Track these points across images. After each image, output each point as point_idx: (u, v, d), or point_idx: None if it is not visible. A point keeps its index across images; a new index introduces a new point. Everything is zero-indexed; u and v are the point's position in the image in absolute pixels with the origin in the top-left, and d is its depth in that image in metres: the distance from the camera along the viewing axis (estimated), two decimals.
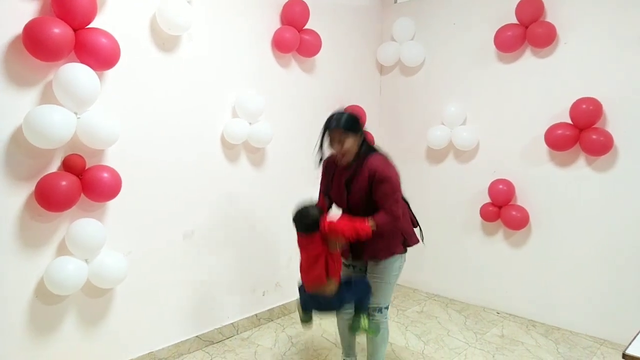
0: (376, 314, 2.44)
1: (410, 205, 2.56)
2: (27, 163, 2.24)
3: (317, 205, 2.32)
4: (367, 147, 2.35)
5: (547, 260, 3.53)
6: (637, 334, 1.73)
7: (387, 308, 2.49)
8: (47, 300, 2.36)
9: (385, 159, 2.33)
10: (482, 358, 3.02)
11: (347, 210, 2.41)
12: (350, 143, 2.28)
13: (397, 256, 2.42)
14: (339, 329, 2.70)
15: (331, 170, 2.48)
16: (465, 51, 3.89)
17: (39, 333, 2.35)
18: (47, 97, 2.25)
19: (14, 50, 2.16)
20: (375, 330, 2.42)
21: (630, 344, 1.65)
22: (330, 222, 2.22)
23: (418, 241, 2.51)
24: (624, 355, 1.60)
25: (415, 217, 2.58)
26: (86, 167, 2.35)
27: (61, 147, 2.29)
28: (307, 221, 2.21)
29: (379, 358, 2.53)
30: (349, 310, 2.54)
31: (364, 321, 2.37)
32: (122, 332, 2.68)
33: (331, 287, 2.25)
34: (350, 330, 2.49)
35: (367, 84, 4.29)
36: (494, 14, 3.65)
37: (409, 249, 2.49)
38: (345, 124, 2.26)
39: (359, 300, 2.39)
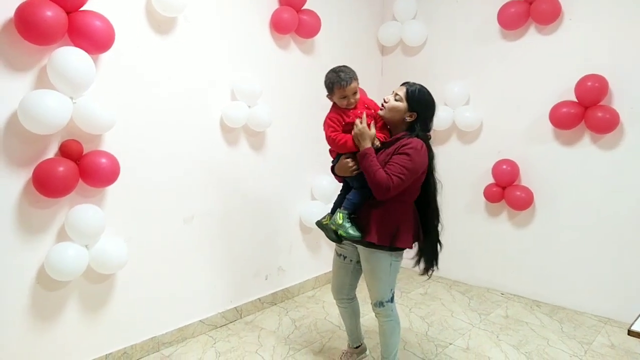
0: (378, 308, 2.35)
1: (439, 217, 2.35)
2: (24, 149, 2.21)
3: None
4: (418, 130, 2.19)
5: (551, 240, 3.51)
6: None
7: (389, 301, 2.33)
8: (48, 286, 2.36)
9: (423, 145, 2.16)
10: (486, 339, 3.02)
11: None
12: (396, 106, 2.19)
13: (384, 253, 2.24)
14: (341, 317, 2.67)
15: None
16: (467, 29, 3.82)
17: (41, 319, 2.36)
18: (42, 82, 2.22)
19: (6, 35, 2.12)
20: (338, 229, 2.24)
21: (635, 320, 1.63)
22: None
23: (409, 247, 2.25)
24: (630, 332, 1.58)
25: (437, 215, 2.35)
26: (83, 153, 2.32)
27: (58, 133, 2.26)
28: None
29: (390, 349, 2.40)
30: (345, 299, 2.54)
31: (337, 215, 2.27)
32: (125, 317, 2.69)
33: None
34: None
35: (368, 65, 4.23)
36: None
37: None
38: (412, 92, 2.19)
39: (346, 197, 2.31)
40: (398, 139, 2.19)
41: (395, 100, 2.22)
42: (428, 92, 2.25)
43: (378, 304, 2.34)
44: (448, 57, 3.95)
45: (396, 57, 4.28)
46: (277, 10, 3.28)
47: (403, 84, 2.27)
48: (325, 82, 2.29)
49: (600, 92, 3.09)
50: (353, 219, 2.27)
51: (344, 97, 2.24)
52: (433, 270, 2.41)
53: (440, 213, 2.36)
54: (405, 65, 4.21)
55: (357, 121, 2.21)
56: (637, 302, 2.97)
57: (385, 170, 2.11)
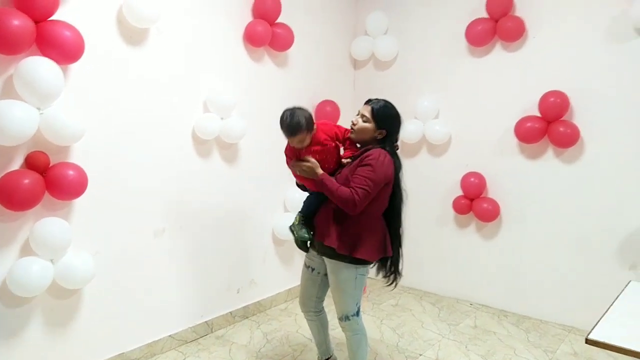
0: (344, 322, 2.35)
1: (399, 228, 2.37)
2: None
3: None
4: (383, 144, 2.22)
5: (517, 251, 3.61)
6: (599, 320, 1.79)
7: (354, 315, 2.33)
8: (10, 302, 2.27)
9: (387, 155, 2.17)
10: (455, 349, 3.07)
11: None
12: (365, 127, 2.22)
13: (349, 266, 2.23)
14: (310, 329, 2.66)
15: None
16: (437, 45, 3.92)
17: (2, 337, 2.26)
18: (8, 92, 2.16)
19: None
20: (292, 230, 2.37)
21: (592, 329, 1.70)
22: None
23: (371, 259, 2.24)
24: (587, 340, 1.64)
25: (395, 243, 2.35)
26: (50, 165, 2.27)
27: (24, 144, 2.20)
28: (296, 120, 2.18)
29: None
30: (312, 311, 2.54)
31: (294, 217, 2.40)
32: (92, 333, 2.61)
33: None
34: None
35: (341, 78, 4.28)
36: (465, 8, 3.69)
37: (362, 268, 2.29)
38: (378, 110, 2.21)
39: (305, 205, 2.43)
40: (363, 152, 2.22)
41: (363, 121, 2.24)
42: (392, 106, 2.29)
43: (344, 318, 2.34)
44: (418, 71, 4.04)
45: (368, 71, 4.35)
46: (250, 23, 3.29)
47: (367, 103, 2.29)
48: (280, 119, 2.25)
49: (561, 107, 3.22)
50: (306, 221, 2.36)
51: (291, 143, 2.27)
52: (397, 280, 2.42)
53: (403, 222, 2.39)
54: (377, 79, 4.29)
55: (296, 169, 2.29)
56: (599, 311, 3.06)
57: (350, 185, 2.12)
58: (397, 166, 2.25)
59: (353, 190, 2.10)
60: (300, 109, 2.21)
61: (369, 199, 2.14)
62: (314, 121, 2.23)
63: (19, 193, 2.10)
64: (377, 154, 2.16)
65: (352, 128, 2.29)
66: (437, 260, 4.02)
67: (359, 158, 2.19)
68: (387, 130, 2.25)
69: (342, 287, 2.30)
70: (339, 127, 2.40)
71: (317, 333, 2.63)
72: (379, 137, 2.25)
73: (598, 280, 3.26)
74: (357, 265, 2.25)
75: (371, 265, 2.34)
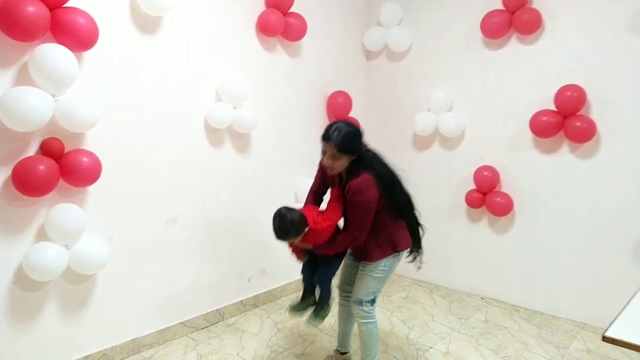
0: (356, 306, 2.40)
1: (415, 206, 2.44)
2: (4, 147, 2.17)
3: (299, 210, 2.32)
4: (358, 165, 2.23)
5: (530, 246, 3.57)
6: (617, 317, 1.76)
7: (369, 302, 2.40)
8: (26, 286, 2.31)
9: (367, 179, 2.19)
10: (466, 343, 3.06)
11: None
12: (340, 163, 2.22)
13: (387, 257, 2.38)
14: (338, 317, 2.70)
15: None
16: (452, 37, 3.87)
17: (18, 320, 2.31)
18: (23, 79, 2.18)
19: None
20: (317, 318, 2.47)
21: (609, 326, 1.67)
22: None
23: (409, 246, 2.43)
24: (604, 338, 1.62)
25: (417, 220, 2.45)
26: (65, 151, 2.29)
27: (39, 131, 2.23)
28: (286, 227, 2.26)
29: (369, 351, 2.45)
30: (349, 293, 2.56)
31: (325, 310, 2.47)
32: (105, 318, 2.65)
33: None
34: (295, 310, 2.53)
35: (354, 69, 4.26)
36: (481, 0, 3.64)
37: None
38: (341, 145, 2.15)
39: (318, 285, 2.48)
40: (348, 178, 2.25)
41: (335, 160, 2.20)
42: (346, 127, 2.20)
43: (358, 302, 2.40)
44: (432, 63, 4.00)
45: (381, 62, 4.32)
46: (263, 13, 3.28)
47: (325, 139, 2.21)
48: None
49: (578, 102, 3.16)
50: (316, 301, 2.52)
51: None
52: (420, 255, 2.48)
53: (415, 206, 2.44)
54: (390, 71, 4.25)
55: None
56: (612, 307, 3.02)
57: (345, 227, 2.31)
58: (380, 178, 2.24)
59: (349, 234, 2.27)
60: (290, 211, 2.26)
61: (368, 226, 2.25)
62: (305, 223, 2.25)
63: (34, 179, 2.13)
64: (357, 185, 2.18)
65: (329, 169, 2.27)
66: (449, 254, 4.00)
67: (346, 190, 2.24)
68: (357, 152, 2.24)
69: (371, 272, 2.38)
70: (317, 211, 2.38)
71: (344, 320, 2.66)
72: (353, 159, 2.25)
73: (612, 276, 3.22)
74: (395, 254, 2.40)
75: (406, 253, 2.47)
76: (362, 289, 2.39)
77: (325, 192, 2.57)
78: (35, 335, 2.37)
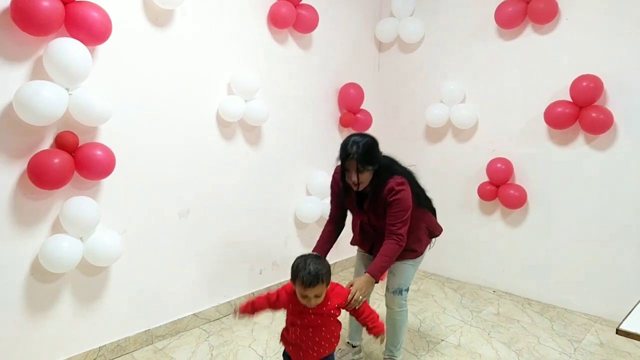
0: (396, 296, 2.46)
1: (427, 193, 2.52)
2: (19, 140, 2.20)
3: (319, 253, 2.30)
4: (383, 172, 2.25)
5: (543, 239, 3.54)
6: (632, 310, 1.74)
7: (407, 290, 2.49)
8: (42, 278, 2.35)
9: (400, 179, 2.25)
10: (477, 335, 3.05)
11: (367, 221, 2.44)
12: (366, 176, 2.21)
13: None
14: None
15: (339, 187, 2.40)
16: (465, 27, 3.82)
17: (34, 311, 2.35)
18: (38, 73, 2.21)
19: (2, 25, 2.10)
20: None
21: (624, 320, 1.66)
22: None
23: (441, 228, 2.57)
24: (618, 331, 1.60)
25: (433, 206, 2.58)
26: (79, 145, 2.31)
27: (53, 124, 2.25)
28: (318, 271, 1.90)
29: (398, 339, 2.52)
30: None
31: None
32: (119, 310, 2.69)
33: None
34: None
35: (365, 61, 4.23)
36: None
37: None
38: (364, 157, 2.15)
39: None
40: (380, 190, 2.25)
41: (360, 174, 2.19)
42: (361, 138, 2.19)
43: (398, 291, 2.46)
44: (445, 54, 3.95)
45: (393, 54, 4.28)
46: (275, 5, 3.26)
47: (345, 157, 2.18)
48: (292, 266, 1.96)
49: (595, 92, 3.11)
50: None
51: (304, 297, 1.92)
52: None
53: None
54: (402, 62, 4.21)
55: (354, 303, 2.05)
56: (626, 301, 3.00)
57: (388, 232, 2.25)
58: (409, 179, 2.34)
59: (396, 240, 2.24)
60: (316, 257, 1.97)
61: (408, 224, 2.28)
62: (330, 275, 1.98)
63: (49, 172, 2.15)
64: (396, 186, 2.23)
65: (356, 185, 2.24)
66: (460, 247, 3.98)
67: (382, 199, 2.25)
68: (379, 162, 2.24)
69: (409, 262, 2.46)
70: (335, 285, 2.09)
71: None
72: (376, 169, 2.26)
73: (627, 270, 3.18)
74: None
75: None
76: (403, 279, 2.46)
77: (345, 217, 2.53)
78: (51, 325, 2.42)
